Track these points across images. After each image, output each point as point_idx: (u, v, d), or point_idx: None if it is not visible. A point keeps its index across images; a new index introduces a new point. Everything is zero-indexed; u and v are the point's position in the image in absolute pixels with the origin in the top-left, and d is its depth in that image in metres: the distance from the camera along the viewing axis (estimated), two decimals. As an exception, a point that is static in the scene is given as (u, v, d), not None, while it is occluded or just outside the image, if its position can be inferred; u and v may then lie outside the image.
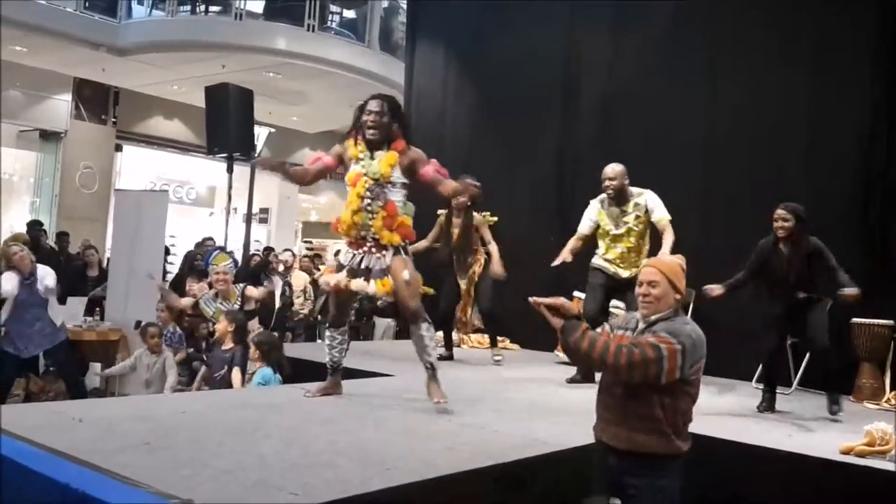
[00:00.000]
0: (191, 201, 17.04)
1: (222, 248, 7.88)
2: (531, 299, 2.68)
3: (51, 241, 10.40)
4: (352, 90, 13.33)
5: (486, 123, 8.53)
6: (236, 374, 5.11)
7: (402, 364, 5.43)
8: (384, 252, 4.04)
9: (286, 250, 11.44)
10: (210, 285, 5.99)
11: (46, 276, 6.28)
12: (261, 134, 11.46)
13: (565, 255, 5.33)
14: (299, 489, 2.41)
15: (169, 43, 11.76)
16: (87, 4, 11.90)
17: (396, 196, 4.05)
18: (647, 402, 2.62)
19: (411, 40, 9.77)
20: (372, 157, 4.04)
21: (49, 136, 13.92)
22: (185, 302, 6.22)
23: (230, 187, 8.49)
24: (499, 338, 6.65)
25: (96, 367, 7.58)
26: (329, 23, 13.26)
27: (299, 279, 9.79)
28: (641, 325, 2.75)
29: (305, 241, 18.77)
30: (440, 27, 9.27)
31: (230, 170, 8.46)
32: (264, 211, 17.75)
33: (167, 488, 2.33)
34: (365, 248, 4.06)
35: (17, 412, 3.59)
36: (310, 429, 3.39)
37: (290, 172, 4.33)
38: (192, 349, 7.11)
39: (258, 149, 11.16)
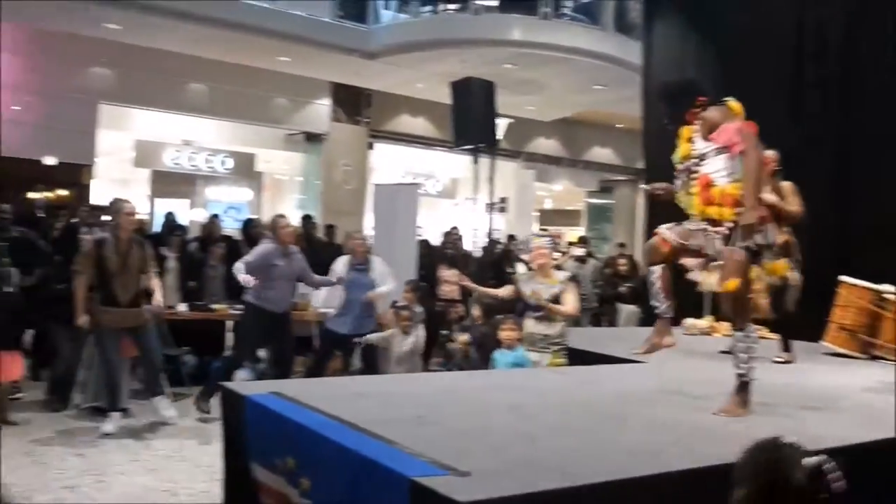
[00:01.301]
0: (436, 193, 17.88)
1: (541, 231, 8.15)
2: None
3: (320, 233, 11.44)
4: (586, 75, 13.22)
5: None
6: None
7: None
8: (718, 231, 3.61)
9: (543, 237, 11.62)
10: (528, 266, 6.07)
11: (377, 263, 6.97)
12: (500, 125, 11.73)
13: None
14: (568, 469, 2.46)
15: (414, 43, 12.37)
16: (340, 14, 12.87)
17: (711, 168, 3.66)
18: None
19: (648, 19, 9.50)
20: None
21: (313, 138, 15.31)
22: (504, 292, 5.91)
23: (476, 178, 8.77)
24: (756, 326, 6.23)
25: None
26: (562, 9, 13.23)
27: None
28: None
29: (542, 229, 18.96)
30: (678, 4, 8.91)
31: (475, 161, 8.75)
32: (503, 200, 18.17)
33: (443, 459, 2.48)
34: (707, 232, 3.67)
35: (306, 386, 4.00)
36: (571, 410, 3.44)
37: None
38: (447, 331, 7.47)
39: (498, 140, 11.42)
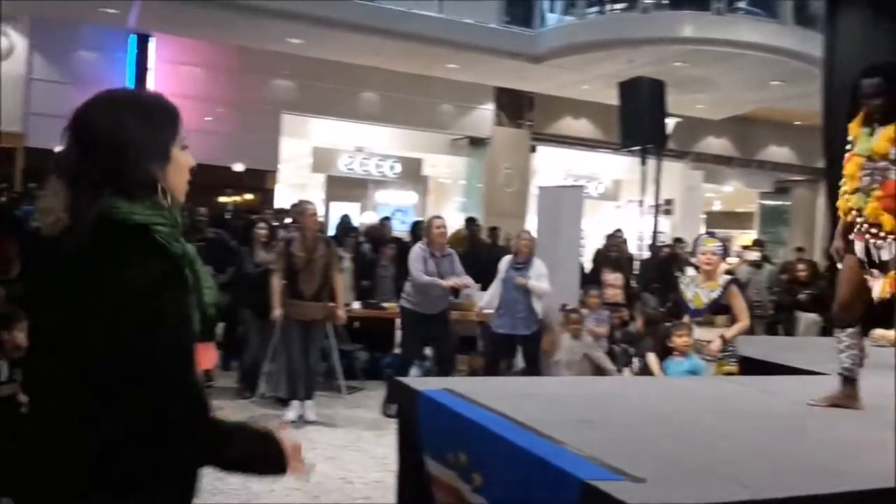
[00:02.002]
0: (598, 195, 17.64)
1: (710, 233, 7.96)
2: None
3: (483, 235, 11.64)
4: (763, 70, 12.57)
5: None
6: (651, 358, 5.23)
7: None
8: (887, 241, 3.43)
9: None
10: (697, 268, 5.97)
11: (538, 265, 7.06)
12: (668, 124, 11.42)
13: None
14: (749, 481, 2.39)
15: (581, 45, 12.29)
16: (507, 19, 13.02)
17: None
18: None
19: (831, 10, 8.87)
20: (871, 134, 3.52)
21: (476, 143, 15.60)
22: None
23: (643, 180, 8.60)
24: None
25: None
26: (737, 2, 12.65)
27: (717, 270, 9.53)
28: None
29: (709, 232, 18.18)
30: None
31: (643, 162, 8.58)
32: (668, 202, 17.67)
33: (616, 464, 2.47)
34: (866, 238, 3.51)
35: (475, 384, 4.10)
36: (747, 421, 3.33)
37: None
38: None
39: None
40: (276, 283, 6.42)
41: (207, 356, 6.40)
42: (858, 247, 3.52)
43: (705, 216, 19.37)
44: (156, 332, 1.38)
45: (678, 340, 4.99)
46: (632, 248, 11.32)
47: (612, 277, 8.43)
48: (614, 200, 18.46)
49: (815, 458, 2.79)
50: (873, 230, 3.43)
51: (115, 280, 1.36)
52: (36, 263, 1.49)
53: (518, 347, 7.22)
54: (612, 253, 8.73)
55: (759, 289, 10.07)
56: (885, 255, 3.39)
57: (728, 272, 10.19)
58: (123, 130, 1.46)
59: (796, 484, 2.44)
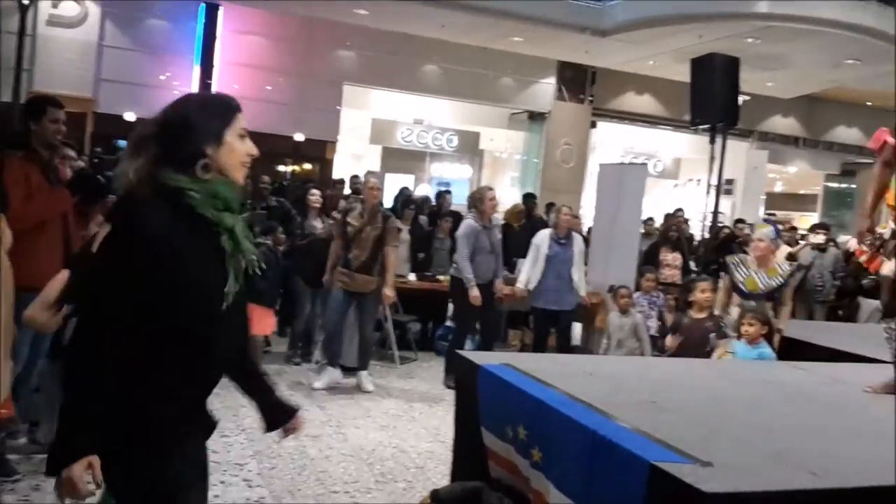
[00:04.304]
0: (657, 173, 17.36)
1: (768, 219, 7.81)
2: None
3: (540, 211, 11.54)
4: (838, 48, 12.13)
5: None
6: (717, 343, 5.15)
7: None
8: None
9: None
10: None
11: (580, 242, 7.03)
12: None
13: None
14: (819, 469, 2.34)
15: (650, 19, 12.01)
16: (575, -8, 12.79)
17: None
18: None
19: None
20: None
21: (535, 117, 15.45)
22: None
23: (712, 159, 8.39)
24: None
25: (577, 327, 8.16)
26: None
27: (780, 253, 9.32)
28: None
29: (769, 213, 17.77)
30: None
31: (712, 141, 8.36)
32: (729, 182, 17.29)
33: (682, 447, 2.44)
34: None
35: (534, 360, 4.07)
36: (812, 408, 3.26)
37: None
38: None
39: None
40: (334, 249, 6.47)
41: (266, 322, 6.49)
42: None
43: (765, 197, 18.92)
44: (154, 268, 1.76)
45: (744, 328, 4.86)
46: (695, 228, 11.12)
47: (671, 257, 8.30)
48: (673, 179, 18.15)
49: (886, 447, 2.71)
50: None
51: (129, 223, 1.79)
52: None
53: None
54: (672, 233, 8.56)
55: (822, 273, 9.80)
56: None
57: (790, 256, 10.01)
58: (183, 115, 1.86)
59: (869, 474, 2.37)
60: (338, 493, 4.28)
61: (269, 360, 7.17)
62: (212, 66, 12.75)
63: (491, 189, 7.26)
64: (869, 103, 16.34)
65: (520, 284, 7.16)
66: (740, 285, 5.26)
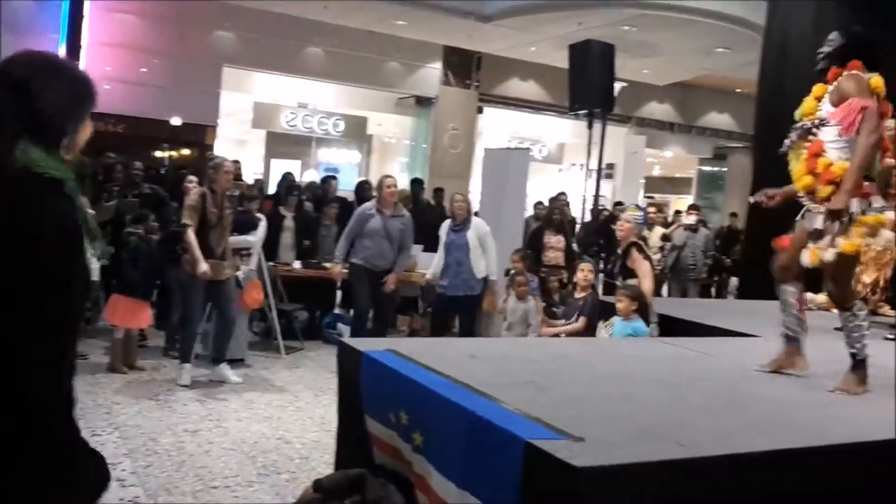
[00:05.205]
0: (542, 158, 17.73)
1: (639, 207, 8.03)
2: None
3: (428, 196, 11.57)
4: (710, 37, 12.71)
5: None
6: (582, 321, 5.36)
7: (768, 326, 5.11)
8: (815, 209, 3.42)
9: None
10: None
11: (481, 226, 7.03)
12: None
13: None
14: (685, 440, 2.43)
15: (531, 5, 12.16)
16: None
17: (827, 136, 3.40)
18: None
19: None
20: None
21: (423, 102, 15.42)
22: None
23: (590, 143, 8.63)
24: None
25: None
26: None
27: (655, 234, 9.73)
28: None
29: (647, 196, 18.54)
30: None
31: (590, 126, 8.59)
32: (609, 166, 17.89)
33: (557, 424, 2.48)
34: (800, 199, 3.52)
35: (420, 346, 4.06)
36: (683, 382, 3.39)
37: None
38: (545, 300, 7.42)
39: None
40: (192, 237, 6.03)
41: (140, 315, 6.20)
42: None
43: (644, 181, 19.71)
44: (64, 275, 1.52)
45: (618, 305, 5.09)
46: (575, 211, 11.42)
47: (554, 240, 8.47)
48: (558, 164, 18.58)
49: (750, 418, 2.85)
50: (808, 195, 3.45)
51: (35, 226, 1.51)
52: None
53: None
54: (556, 216, 8.75)
55: (694, 252, 10.31)
56: (816, 224, 3.39)
57: (664, 237, 10.45)
58: (56, 93, 1.63)
59: (733, 443, 2.48)
60: (217, 489, 4.14)
61: (146, 354, 6.86)
62: (79, 46, 12.01)
63: (390, 177, 7.35)
64: (738, 90, 17.21)
65: (428, 275, 7.30)
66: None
